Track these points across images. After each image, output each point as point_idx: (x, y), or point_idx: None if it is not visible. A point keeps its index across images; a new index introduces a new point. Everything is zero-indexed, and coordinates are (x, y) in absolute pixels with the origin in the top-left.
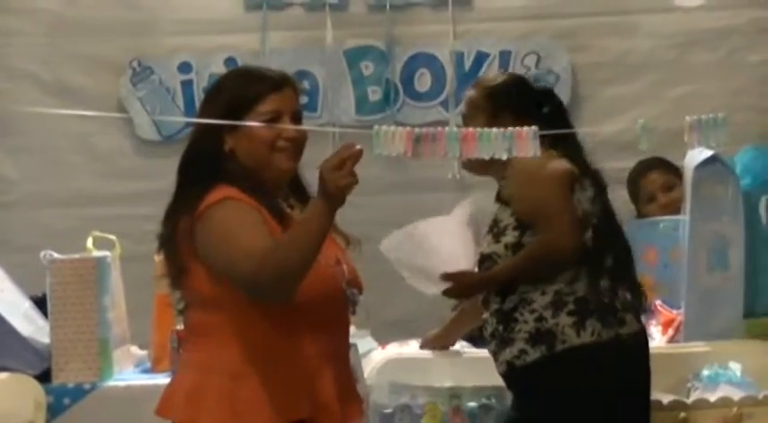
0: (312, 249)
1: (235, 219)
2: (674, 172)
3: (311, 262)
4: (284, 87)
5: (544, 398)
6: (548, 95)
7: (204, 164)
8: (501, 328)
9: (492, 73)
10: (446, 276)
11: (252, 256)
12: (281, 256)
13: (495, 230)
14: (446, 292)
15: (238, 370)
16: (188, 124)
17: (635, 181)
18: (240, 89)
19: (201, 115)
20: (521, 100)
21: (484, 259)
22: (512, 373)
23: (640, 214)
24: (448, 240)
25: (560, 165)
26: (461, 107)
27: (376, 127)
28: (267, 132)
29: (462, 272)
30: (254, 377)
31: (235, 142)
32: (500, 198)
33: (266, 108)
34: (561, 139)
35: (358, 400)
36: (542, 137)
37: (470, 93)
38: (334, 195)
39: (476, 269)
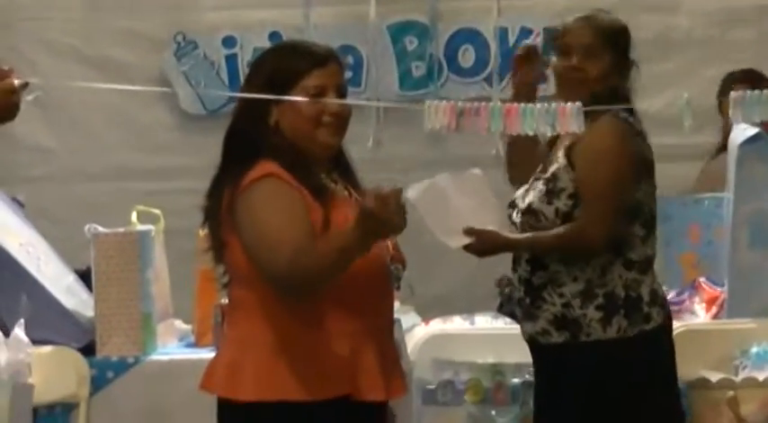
0: (345, 266)
1: (273, 201)
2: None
3: (339, 275)
4: (329, 62)
5: (565, 384)
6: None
7: (249, 137)
8: (528, 300)
9: (600, 11)
10: (470, 231)
11: (286, 250)
12: (315, 262)
13: (551, 187)
14: (467, 248)
15: (277, 345)
16: (232, 98)
17: (725, 93)
18: (285, 63)
19: (246, 89)
20: (627, 47)
21: (529, 211)
22: (534, 347)
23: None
24: (472, 197)
25: (636, 145)
26: (582, 34)
27: (427, 102)
28: (312, 107)
29: (488, 230)
30: (292, 352)
31: (280, 116)
32: (568, 153)
33: (311, 83)
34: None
35: (402, 376)
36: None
37: (603, 19)
38: (376, 234)
39: (503, 221)
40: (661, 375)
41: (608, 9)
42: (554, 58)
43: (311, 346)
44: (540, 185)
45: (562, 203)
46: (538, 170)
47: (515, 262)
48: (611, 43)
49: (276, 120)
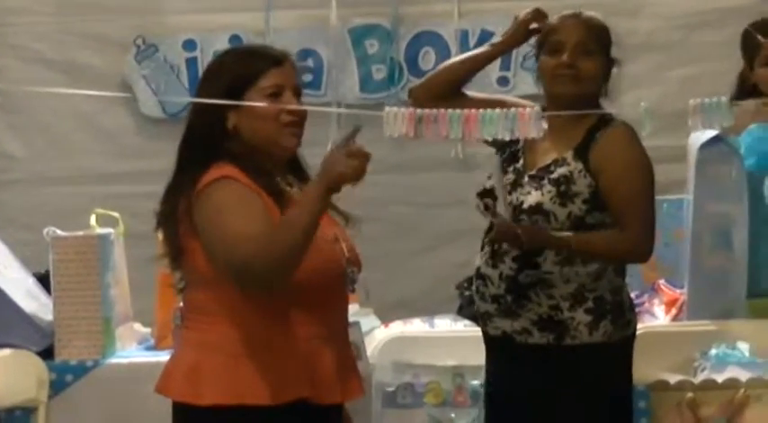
0: (306, 234)
1: (231, 201)
2: None
3: (305, 247)
4: (284, 63)
5: (543, 383)
6: None
7: (204, 142)
8: (509, 297)
9: (586, 12)
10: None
11: (248, 242)
12: (276, 240)
13: (564, 189)
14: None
15: (237, 349)
16: (192, 102)
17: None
18: (241, 66)
19: (202, 93)
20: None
21: (539, 211)
22: (507, 343)
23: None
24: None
25: (650, 159)
26: (576, 31)
27: (387, 108)
28: (270, 108)
29: (528, 226)
30: (252, 356)
31: (238, 119)
32: (582, 157)
33: (268, 83)
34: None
35: (358, 377)
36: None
37: (597, 21)
38: (333, 180)
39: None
40: (630, 380)
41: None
42: (543, 57)
43: (270, 349)
44: (549, 186)
45: (576, 208)
46: (520, 164)
47: (495, 258)
48: (602, 43)
49: (234, 123)
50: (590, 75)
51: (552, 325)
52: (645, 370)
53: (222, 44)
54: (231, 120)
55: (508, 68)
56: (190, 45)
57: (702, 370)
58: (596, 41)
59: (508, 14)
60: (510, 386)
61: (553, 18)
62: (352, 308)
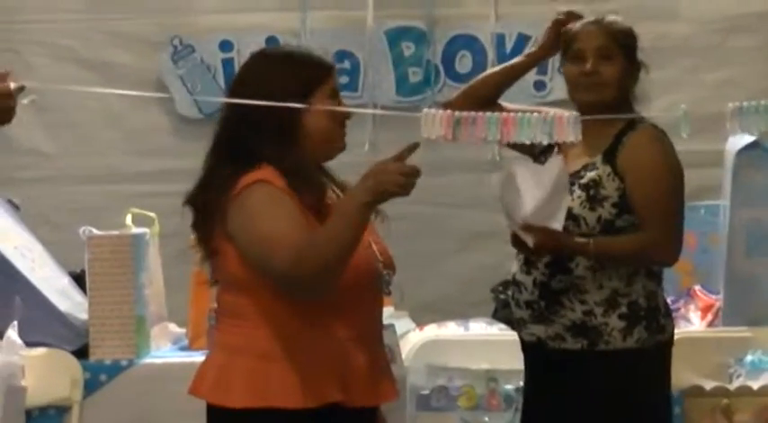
0: (352, 244)
1: (264, 205)
2: None
3: (350, 257)
4: (333, 68)
5: (578, 390)
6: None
7: (246, 143)
8: (543, 303)
9: (610, 16)
10: (527, 228)
11: (288, 249)
12: (320, 252)
13: (593, 193)
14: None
15: (267, 352)
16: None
17: None
18: (303, 73)
19: (248, 96)
20: (635, 51)
21: (568, 216)
22: (541, 349)
23: None
24: (537, 190)
25: (679, 160)
26: (596, 37)
27: (425, 110)
28: (334, 112)
29: (546, 229)
30: (282, 360)
31: (306, 121)
32: (611, 160)
33: (329, 88)
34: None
35: (391, 380)
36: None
37: (617, 25)
38: (381, 195)
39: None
40: (667, 386)
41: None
42: (566, 65)
43: (301, 352)
44: (578, 191)
45: (606, 211)
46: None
47: (529, 264)
48: (624, 46)
49: (296, 126)
50: (612, 80)
51: (585, 331)
52: (680, 376)
53: (258, 45)
54: (299, 121)
55: (545, 73)
56: (226, 45)
57: (738, 376)
58: (617, 46)
59: (545, 18)
60: (544, 392)
61: (575, 25)
62: (387, 310)
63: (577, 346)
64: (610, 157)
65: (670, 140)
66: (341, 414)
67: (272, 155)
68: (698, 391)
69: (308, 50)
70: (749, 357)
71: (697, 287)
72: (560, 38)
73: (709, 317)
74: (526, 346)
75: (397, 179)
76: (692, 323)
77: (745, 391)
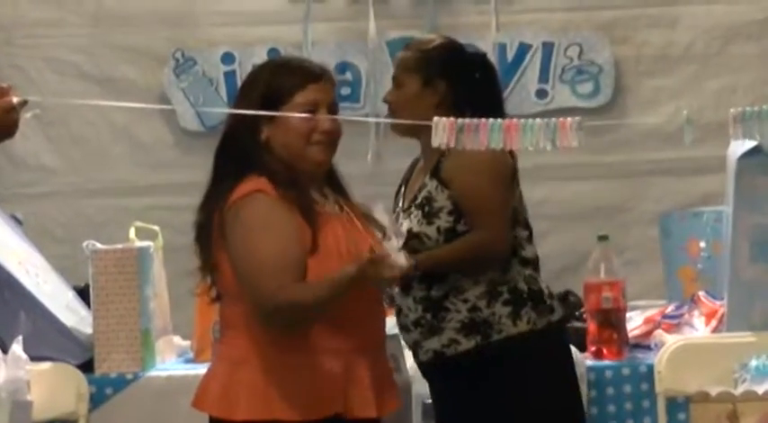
0: (328, 306)
1: (259, 221)
2: None
3: (320, 313)
4: (322, 79)
5: (481, 387)
6: (481, 61)
7: (238, 154)
8: (429, 316)
9: (425, 37)
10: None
11: (271, 276)
12: (303, 296)
13: (428, 209)
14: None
15: (269, 365)
16: (230, 115)
17: None
18: (278, 80)
19: (238, 105)
20: (455, 66)
21: (411, 237)
22: (440, 362)
23: None
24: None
25: (505, 156)
26: (394, 69)
27: (435, 118)
28: (304, 124)
29: (384, 254)
30: (285, 372)
31: (271, 132)
32: (436, 174)
33: (304, 99)
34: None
35: (394, 391)
36: (468, 110)
37: (405, 54)
38: (368, 278)
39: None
40: (568, 367)
41: (608, 25)
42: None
43: (302, 365)
44: (415, 211)
45: (443, 221)
46: (399, 207)
47: (404, 288)
48: (424, 66)
49: (267, 136)
50: (398, 105)
51: (476, 326)
52: (685, 381)
53: (260, 57)
54: (264, 132)
55: (547, 81)
56: (228, 58)
57: (743, 381)
58: (415, 69)
59: (546, 27)
60: (453, 403)
61: None
62: (392, 320)
63: (472, 344)
64: (435, 171)
65: None
66: None
67: (259, 164)
68: (703, 396)
69: (292, 59)
70: (754, 362)
71: (701, 293)
72: None
73: (714, 323)
74: (426, 368)
75: (386, 279)
76: (696, 329)
77: (750, 396)
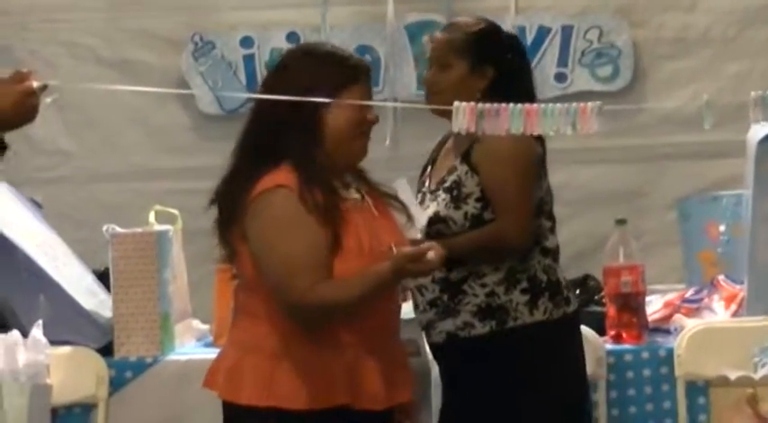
0: (362, 304)
1: (287, 218)
2: None
3: (352, 310)
4: (368, 76)
5: (493, 372)
6: (521, 47)
7: (271, 141)
8: (446, 297)
9: (466, 19)
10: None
11: (300, 277)
12: (334, 296)
13: (456, 194)
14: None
15: (276, 352)
16: (249, 99)
17: None
18: (332, 71)
19: (281, 92)
20: (504, 51)
21: (437, 220)
22: (452, 344)
23: None
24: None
25: (533, 145)
26: (434, 50)
27: (456, 103)
28: (358, 115)
29: (419, 252)
30: (292, 360)
31: (324, 121)
32: (467, 159)
33: (356, 95)
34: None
35: (408, 380)
36: (494, 96)
37: (451, 35)
38: (401, 274)
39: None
40: (581, 363)
41: (627, 8)
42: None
43: (311, 353)
44: (443, 194)
45: (471, 207)
46: (425, 187)
47: None
48: (462, 52)
49: (314, 125)
50: (442, 87)
51: (492, 311)
52: (704, 366)
53: (279, 41)
54: (311, 121)
55: (566, 65)
56: (247, 42)
57: (762, 366)
58: (453, 54)
59: (564, 11)
60: (462, 385)
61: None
62: (408, 305)
63: (486, 329)
64: (466, 156)
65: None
66: (350, 416)
67: (294, 152)
68: (723, 381)
69: (346, 52)
70: None
71: (720, 277)
72: None
73: (734, 307)
74: (437, 350)
75: (420, 273)
76: (715, 313)
77: None
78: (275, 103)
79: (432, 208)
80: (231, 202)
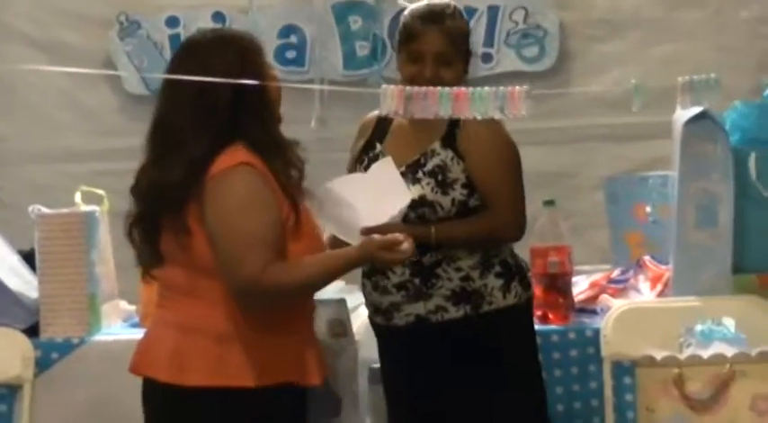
0: (321, 287)
1: (247, 199)
2: None
3: (312, 292)
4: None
5: (466, 356)
6: None
7: (217, 121)
8: (417, 280)
9: (443, 2)
10: (368, 230)
11: (255, 259)
12: (290, 278)
13: (441, 178)
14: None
15: (224, 333)
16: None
17: None
18: (250, 53)
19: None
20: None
21: (423, 204)
22: (422, 328)
23: None
24: (363, 195)
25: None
26: (437, 43)
27: (384, 86)
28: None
29: (387, 225)
30: (240, 340)
31: (269, 95)
32: (451, 144)
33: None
34: None
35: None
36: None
37: (450, 25)
38: (370, 261)
39: (397, 215)
40: (535, 338)
41: None
42: (404, 62)
43: (258, 333)
44: (427, 178)
45: (458, 193)
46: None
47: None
48: (460, 48)
49: (266, 102)
50: (449, 83)
51: (467, 296)
52: (631, 346)
53: (205, 21)
54: (250, 100)
55: (492, 45)
56: (173, 22)
57: (688, 346)
58: (455, 49)
59: None
60: (430, 367)
61: (409, 17)
62: (338, 284)
63: (461, 314)
64: (449, 141)
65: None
66: (294, 392)
67: (253, 132)
68: (649, 361)
69: (240, 31)
70: (699, 327)
71: (647, 258)
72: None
73: (659, 287)
74: (397, 332)
75: (392, 262)
76: (641, 293)
77: (695, 361)
78: (218, 86)
79: (415, 191)
80: (183, 183)
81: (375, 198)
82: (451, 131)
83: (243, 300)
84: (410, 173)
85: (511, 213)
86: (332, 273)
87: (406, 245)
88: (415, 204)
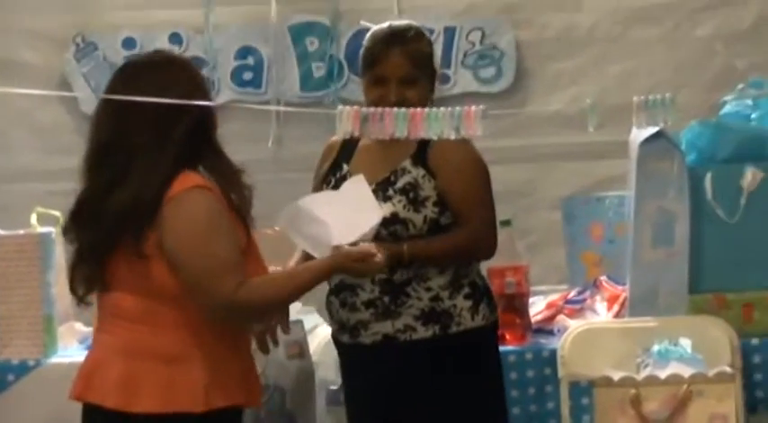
0: (295, 299)
1: (210, 218)
2: None
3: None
4: None
5: (432, 377)
6: None
7: (175, 148)
8: (386, 298)
9: (406, 23)
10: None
11: (232, 274)
12: (265, 293)
13: (413, 196)
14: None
15: (174, 357)
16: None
17: None
18: (197, 77)
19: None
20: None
21: (395, 221)
22: (389, 347)
23: None
24: (335, 213)
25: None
26: (400, 66)
27: (339, 107)
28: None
29: (359, 242)
30: (189, 362)
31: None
32: (422, 162)
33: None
34: None
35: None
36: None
37: (415, 47)
38: (342, 272)
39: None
40: (499, 359)
41: (510, 8)
42: (368, 85)
43: (208, 358)
44: (398, 196)
45: (430, 211)
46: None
47: None
48: (424, 68)
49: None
50: (415, 104)
51: (436, 316)
52: (588, 366)
53: (162, 42)
54: (211, 128)
55: (449, 66)
56: (129, 43)
57: (645, 366)
58: (420, 71)
59: (448, 11)
60: (396, 387)
61: (371, 40)
62: (295, 306)
63: (429, 334)
64: (420, 159)
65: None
66: (238, 413)
67: (206, 156)
68: (606, 381)
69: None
70: (656, 347)
71: (603, 278)
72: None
73: (616, 308)
74: (365, 350)
75: (366, 273)
76: (598, 314)
77: (652, 381)
78: (185, 111)
79: (387, 208)
80: (141, 204)
81: (347, 215)
82: (422, 149)
83: (219, 319)
84: (380, 190)
85: (483, 230)
86: (306, 284)
87: (380, 256)
88: (388, 221)
